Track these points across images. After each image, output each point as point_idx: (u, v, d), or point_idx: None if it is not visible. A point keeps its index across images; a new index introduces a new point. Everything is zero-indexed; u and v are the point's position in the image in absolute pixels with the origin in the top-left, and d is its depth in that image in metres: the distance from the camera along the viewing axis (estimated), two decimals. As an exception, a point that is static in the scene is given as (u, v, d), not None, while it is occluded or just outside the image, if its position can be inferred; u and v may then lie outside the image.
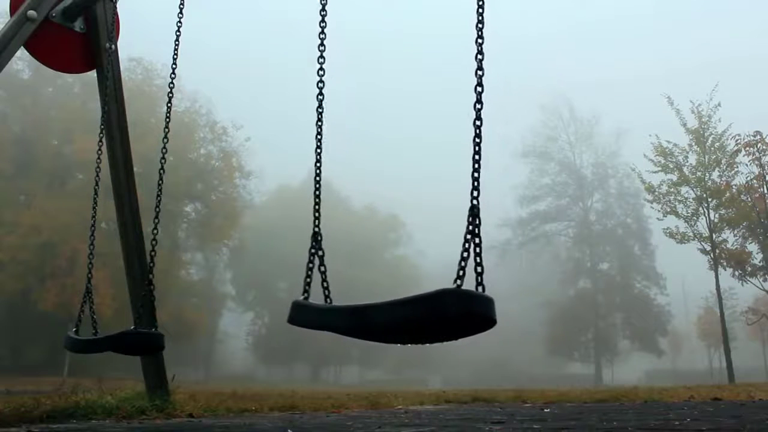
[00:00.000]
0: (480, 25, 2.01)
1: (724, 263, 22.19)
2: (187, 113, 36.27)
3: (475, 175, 1.85)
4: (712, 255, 21.94)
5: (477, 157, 1.88)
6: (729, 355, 21.71)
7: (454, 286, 1.69)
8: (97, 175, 4.06)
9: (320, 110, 2.48)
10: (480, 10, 2.03)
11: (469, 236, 1.76)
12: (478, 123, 1.92)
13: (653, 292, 47.26)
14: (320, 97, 2.47)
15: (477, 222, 1.79)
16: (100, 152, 4.09)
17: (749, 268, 22.19)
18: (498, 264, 45.07)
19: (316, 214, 2.36)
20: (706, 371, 49.09)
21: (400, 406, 5.90)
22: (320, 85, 2.47)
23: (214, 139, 38.33)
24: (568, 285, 49.36)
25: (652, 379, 42.15)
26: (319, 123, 2.48)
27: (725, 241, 22.46)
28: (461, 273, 1.72)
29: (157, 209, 3.64)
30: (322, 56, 2.48)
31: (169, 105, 3.86)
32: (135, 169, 4.58)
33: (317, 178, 2.45)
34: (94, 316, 3.70)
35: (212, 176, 37.98)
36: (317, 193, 2.44)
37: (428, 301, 1.67)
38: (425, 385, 39.21)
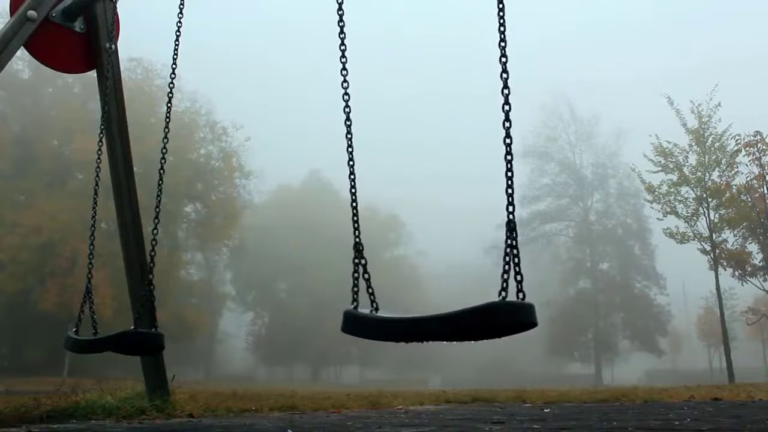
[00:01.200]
0: (502, 29, 2.03)
1: (724, 263, 22.18)
2: (187, 113, 36.30)
3: (509, 191, 1.97)
4: (712, 255, 21.93)
5: (510, 173, 1.98)
6: (729, 355, 21.70)
7: (500, 298, 1.84)
8: (97, 175, 4.05)
9: (348, 123, 2.46)
10: (501, 13, 2.05)
11: (508, 249, 1.90)
12: (508, 141, 1.99)
13: (653, 292, 47.29)
14: (347, 109, 2.45)
15: (514, 236, 1.92)
16: (100, 152, 4.08)
17: (749, 268, 22.17)
18: (498, 264, 44.95)
19: (356, 225, 2.39)
20: (706, 371, 49.06)
21: (400, 406, 5.90)
22: (345, 97, 2.45)
23: (214, 139, 38.36)
24: (568, 285, 49.35)
25: (652, 379, 42.14)
26: (349, 136, 2.46)
27: (725, 241, 22.45)
28: (505, 285, 1.86)
29: (157, 209, 3.64)
30: (344, 68, 2.47)
31: (169, 105, 3.86)
32: (135, 169, 4.58)
33: (353, 190, 2.43)
34: (94, 316, 3.70)
35: (212, 176, 38.00)
36: (354, 204, 2.43)
37: (481, 313, 1.83)
38: (425, 385, 39.21)
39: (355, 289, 2.25)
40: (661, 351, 47.77)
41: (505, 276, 1.87)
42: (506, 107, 1.98)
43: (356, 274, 2.26)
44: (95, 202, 4.03)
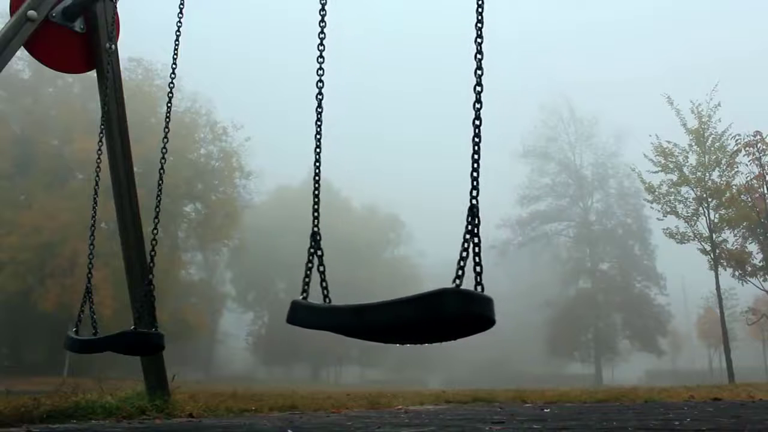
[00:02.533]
0: (479, 25, 2.01)
1: (724, 263, 22.18)
2: (187, 113, 36.30)
3: (474, 174, 1.84)
4: (712, 255, 21.93)
5: (476, 156, 1.87)
6: (729, 355, 21.69)
7: (453, 285, 1.68)
8: (97, 175, 4.05)
9: (319, 110, 2.48)
10: (479, 9, 2.03)
11: (468, 236, 1.76)
12: (477, 123, 1.91)
13: (653, 292, 47.29)
14: (319, 96, 2.47)
15: (476, 222, 1.78)
16: (100, 152, 4.09)
17: (749, 268, 22.16)
18: (498, 264, 45.07)
19: (315, 214, 2.34)
20: (706, 371, 49.07)
21: (400, 406, 5.90)
22: (319, 84, 2.48)
23: (214, 139, 38.35)
24: (568, 285, 49.36)
25: (652, 379, 42.15)
26: (319, 123, 2.48)
27: (725, 241, 22.45)
28: (460, 272, 1.71)
29: (157, 209, 3.64)
30: (321, 56, 2.49)
31: (169, 105, 3.86)
32: (135, 169, 4.58)
33: (316, 178, 2.45)
34: (94, 316, 3.70)
35: (212, 176, 37.99)
36: (316, 192, 2.43)
37: (427, 301, 1.67)
38: (425, 385, 39.20)
39: (307, 279, 2.16)
40: (661, 351, 47.77)
41: (462, 263, 1.72)
42: (477, 105, 1.94)
43: (310, 264, 2.19)
44: (95, 202, 4.03)
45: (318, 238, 2.26)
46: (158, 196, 3.64)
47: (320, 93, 2.47)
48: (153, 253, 3.55)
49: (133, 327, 3.62)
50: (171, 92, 3.89)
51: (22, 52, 4.14)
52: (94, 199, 4.03)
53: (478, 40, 1.98)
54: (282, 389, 11.92)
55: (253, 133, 39.77)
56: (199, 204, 38.30)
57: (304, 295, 2.13)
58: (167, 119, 3.78)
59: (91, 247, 3.88)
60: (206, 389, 8.10)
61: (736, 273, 22.30)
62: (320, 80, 2.47)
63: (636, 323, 46.35)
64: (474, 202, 1.81)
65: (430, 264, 57.15)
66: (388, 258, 57.96)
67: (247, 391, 7.83)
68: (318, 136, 2.48)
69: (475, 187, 1.83)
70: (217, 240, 39.69)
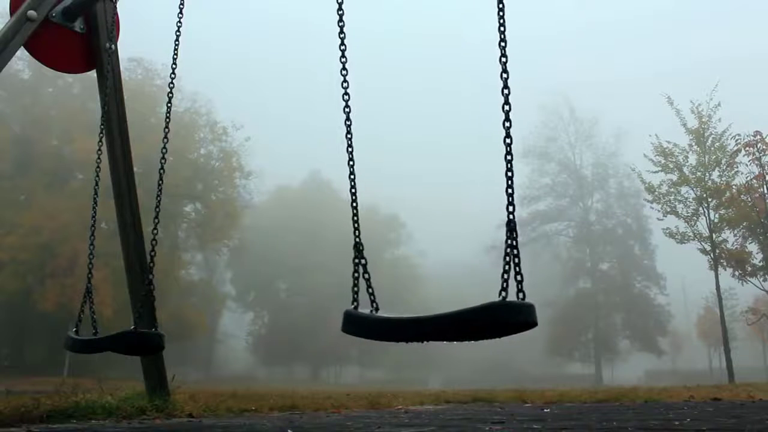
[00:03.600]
0: (502, 29, 2.04)
1: (724, 263, 22.18)
2: (187, 113, 36.31)
3: (509, 191, 1.97)
4: (712, 255, 21.93)
5: (510, 174, 1.98)
6: (729, 355, 21.69)
7: (500, 298, 1.84)
8: (97, 175, 4.05)
9: (348, 123, 2.46)
10: (501, 13, 2.05)
11: (508, 249, 1.90)
12: (508, 141, 2.00)
13: (653, 292, 47.30)
14: (347, 109, 2.45)
15: (514, 236, 1.92)
16: (100, 152, 4.09)
17: (749, 268, 22.16)
18: (498, 264, 44.96)
19: (356, 225, 2.39)
20: (706, 371, 49.06)
21: (400, 406, 5.90)
22: (345, 97, 2.45)
23: (214, 139, 38.37)
24: (568, 285, 49.35)
25: (652, 379, 42.10)
26: (349, 136, 2.47)
27: (725, 241, 22.45)
28: (505, 285, 1.86)
29: (157, 209, 3.64)
30: (344, 68, 2.47)
31: (169, 105, 3.86)
32: (135, 169, 4.58)
33: (353, 190, 2.44)
34: (94, 316, 3.70)
35: (212, 176, 38.01)
36: (354, 204, 2.44)
37: (481, 314, 1.84)
38: (425, 385, 39.18)
39: (356, 288, 2.25)
40: (661, 351, 47.76)
41: (506, 276, 1.87)
42: (506, 107, 1.98)
43: (356, 274, 2.26)
44: (95, 202, 4.03)
45: (361, 248, 2.32)
46: (158, 196, 3.64)
47: (347, 106, 2.44)
48: (153, 253, 3.55)
49: (133, 327, 3.62)
50: (171, 92, 3.89)
51: (22, 52, 4.13)
52: (94, 199, 4.03)
53: (502, 44, 2.02)
54: (282, 389, 11.92)
55: (253, 133, 39.82)
56: (199, 204, 38.31)
57: (355, 304, 2.22)
58: (167, 119, 3.77)
59: (91, 247, 3.88)
60: (206, 389, 8.10)
61: (736, 273, 22.29)
62: (346, 93, 2.45)
63: (636, 323, 46.35)
64: (511, 216, 1.93)
65: (431, 264, 57.22)
66: (389, 258, 57.95)
67: (247, 391, 7.83)
68: (349, 149, 2.45)
69: (511, 203, 1.95)
70: (217, 240, 39.69)
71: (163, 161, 3.63)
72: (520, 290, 1.87)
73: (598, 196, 50.67)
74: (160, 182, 3.66)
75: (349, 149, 2.45)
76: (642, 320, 46.10)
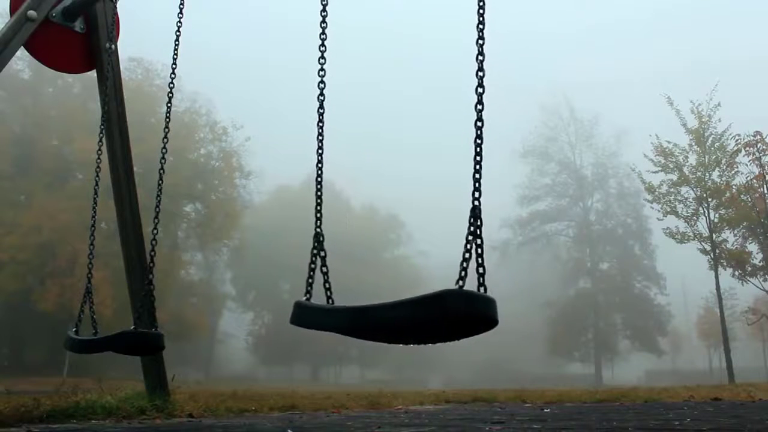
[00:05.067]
0: (480, 26, 2.01)
1: (724, 263, 22.18)
2: (187, 113, 36.29)
3: (476, 176, 1.86)
4: (712, 255, 21.93)
5: (478, 158, 1.88)
6: (729, 355, 21.69)
7: (456, 286, 1.70)
8: (97, 175, 4.05)
9: (321, 111, 2.47)
10: (480, 11, 2.03)
11: (470, 237, 1.77)
12: (479, 124, 1.91)
13: (653, 292, 47.30)
14: (321, 97, 2.46)
15: (478, 223, 1.80)
16: (100, 152, 4.08)
17: (749, 268, 22.16)
18: (498, 264, 45.07)
19: (318, 215, 2.35)
20: (706, 371, 49.07)
21: (400, 406, 5.90)
22: (321, 85, 2.47)
23: (214, 139, 38.35)
24: (568, 285, 49.35)
25: (652, 379, 42.13)
26: (320, 124, 2.48)
27: (725, 241, 22.45)
28: (463, 274, 1.73)
29: (157, 209, 3.64)
30: (323, 57, 2.48)
31: (169, 105, 3.85)
32: (135, 169, 4.58)
33: (318, 179, 2.45)
34: (94, 316, 3.70)
35: (212, 176, 37.99)
36: (319, 193, 2.43)
37: (430, 302, 1.68)
38: (425, 385, 39.17)
39: (310, 280, 2.17)
40: (661, 351, 47.76)
41: (465, 264, 1.74)
42: (479, 107, 1.93)
43: (313, 265, 2.20)
44: (95, 202, 4.02)
45: (321, 238, 2.27)
46: (158, 196, 3.64)
47: (322, 94, 2.47)
48: (153, 253, 3.55)
49: (133, 327, 3.62)
50: (171, 92, 3.89)
51: (22, 52, 4.13)
52: (94, 199, 4.03)
53: (480, 41, 1.99)
54: (282, 389, 11.92)
55: (253, 133, 39.79)
56: (199, 204, 38.30)
57: (308, 296, 2.13)
58: (167, 119, 3.77)
59: (91, 247, 3.88)
60: (206, 389, 8.10)
61: (736, 273, 22.29)
62: (322, 81, 2.46)
63: (636, 323, 46.36)
64: (476, 203, 1.82)
65: (431, 264, 57.18)
66: (389, 258, 57.97)
67: (247, 391, 7.83)
68: (320, 137, 2.47)
69: (477, 189, 1.84)
70: (217, 240, 39.68)
71: (163, 161, 3.63)
72: (481, 284, 1.74)
73: (598, 196, 50.74)
74: (160, 182, 3.66)
75: (320, 137, 2.47)
76: (642, 320, 46.11)
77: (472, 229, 1.78)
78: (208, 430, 3.20)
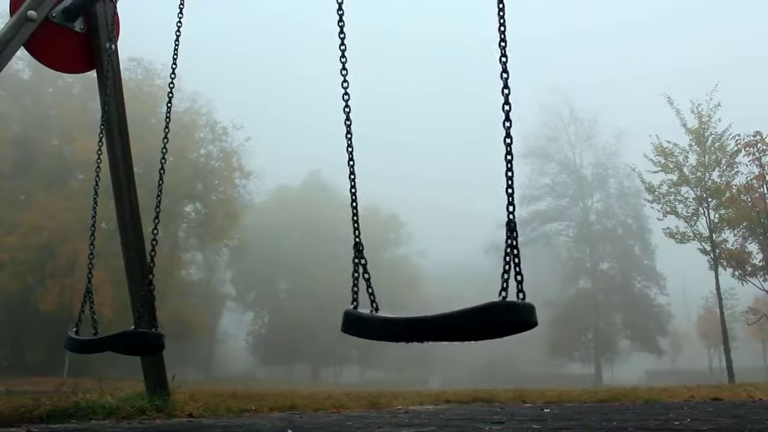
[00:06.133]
0: (502, 29, 2.03)
1: (724, 263, 22.18)
2: (187, 113, 36.27)
3: (509, 191, 1.96)
4: (712, 255, 21.93)
5: (510, 173, 1.98)
6: (729, 355, 21.69)
7: (500, 298, 1.84)
8: (97, 175, 4.05)
9: (348, 123, 2.46)
10: (501, 13, 2.05)
11: (508, 249, 1.90)
12: (508, 141, 1.99)
13: (653, 292, 47.31)
14: (347, 109, 2.45)
15: (515, 236, 1.92)
16: (100, 152, 4.08)
17: (749, 268, 22.16)
18: (498, 264, 44.96)
19: (356, 225, 2.39)
20: (706, 371, 49.04)
21: (400, 406, 5.90)
22: (345, 97, 2.45)
23: (214, 139, 38.34)
24: (568, 285, 49.35)
25: (652, 379, 42.09)
26: (349, 136, 2.46)
27: (725, 241, 22.46)
28: (505, 285, 1.86)
29: (157, 209, 3.64)
30: (344, 68, 2.47)
31: (169, 105, 3.85)
32: (135, 169, 4.58)
33: (353, 190, 2.43)
34: (94, 316, 3.70)
35: (212, 176, 37.98)
36: (354, 204, 2.43)
37: (481, 314, 1.83)
38: (425, 385, 39.17)
39: (355, 288, 2.24)
40: (661, 351, 47.76)
41: (506, 276, 1.86)
42: (506, 107, 1.98)
43: (356, 274, 2.25)
44: (95, 202, 4.02)
45: (361, 248, 2.31)
46: (158, 196, 3.63)
47: (347, 106, 2.44)
48: (153, 253, 3.55)
49: (133, 327, 3.62)
50: (171, 92, 3.88)
51: (22, 52, 4.13)
52: (94, 199, 4.03)
53: (502, 44, 2.02)
54: (282, 389, 11.93)
55: (253, 133, 39.76)
56: (199, 204, 38.29)
57: (355, 304, 2.21)
58: (167, 119, 3.77)
59: (91, 247, 3.87)
60: (206, 389, 8.10)
61: (736, 273, 22.30)
62: (346, 93, 2.44)
63: (636, 323, 46.35)
64: (511, 216, 1.93)
65: (431, 264, 57.22)
66: (389, 258, 57.94)
67: (247, 391, 7.84)
68: (349, 149, 2.45)
69: (511, 203, 1.94)
70: (217, 240, 39.67)
71: (163, 161, 3.63)
72: (520, 290, 1.86)
73: (598, 196, 50.72)
74: (160, 182, 3.66)
75: (350, 149, 2.44)
76: (642, 320, 46.11)
77: (509, 241, 1.91)
78: (208, 430, 3.20)
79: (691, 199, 22.56)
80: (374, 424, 3.47)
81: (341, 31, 2.51)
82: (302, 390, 11.97)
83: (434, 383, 42.13)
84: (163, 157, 3.63)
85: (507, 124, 1.97)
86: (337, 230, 41.00)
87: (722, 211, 22.34)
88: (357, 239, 2.33)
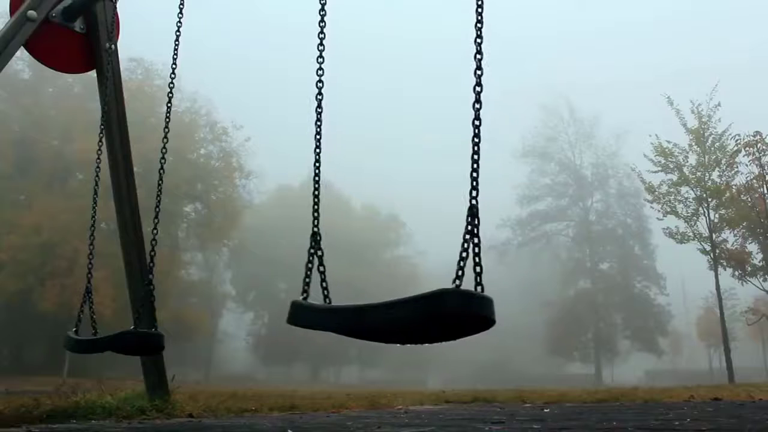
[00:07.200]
0: (479, 25, 2.00)
1: (724, 263, 22.19)
2: (187, 113, 36.28)
3: (474, 175, 1.84)
4: (712, 255, 21.93)
5: (476, 157, 1.87)
6: (729, 355, 21.69)
7: (453, 286, 1.68)
8: (97, 175, 4.05)
9: (319, 110, 2.47)
10: (479, 9, 2.03)
11: (467, 236, 1.76)
12: (477, 123, 1.90)
13: (653, 292, 47.30)
14: (319, 96, 2.47)
15: (476, 222, 1.78)
16: (100, 152, 4.08)
17: (749, 268, 22.18)
18: (498, 264, 45.07)
19: (315, 214, 2.34)
20: (706, 371, 49.04)
21: (400, 406, 5.90)
22: (319, 84, 2.47)
23: (214, 140, 38.34)
24: (568, 285, 49.35)
25: (652, 379, 42.09)
26: (318, 123, 2.48)
27: (725, 241, 22.47)
28: (460, 273, 1.71)
29: (157, 209, 3.64)
30: (321, 56, 2.49)
31: (169, 105, 3.85)
32: (135, 169, 4.58)
33: (316, 178, 2.45)
34: (94, 316, 3.70)
35: (212, 176, 37.97)
36: (316, 192, 2.43)
37: (427, 301, 1.67)
38: (425, 385, 39.19)
39: (307, 279, 2.15)
40: (661, 351, 47.76)
41: (462, 264, 1.72)
42: (477, 105, 1.92)
43: (310, 264, 2.18)
44: (95, 202, 4.02)
45: (318, 238, 2.25)
46: (158, 196, 3.63)
47: (320, 93, 2.47)
48: (153, 253, 3.55)
49: (133, 327, 3.62)
50: (171, 92, 3.88)
51: (22, 52, 4.13)
52: (94, 199, 4.03)
53: (478, 40, 1.98)
54: (282, 389, 11.94)
55: (253, 133, 39.77)
56: (199, 204, 38.29)
57: (305, 295, 2.12)
58: (167, 119, 3.77)
59: (91, 247, 3.87)
60: (206, 389, 8.10)
61: (736, 273, 22.31)
62: (320, 80, 2.47)
63: (636, 323, 46.35)
64: (474, 202, 1.81)
65: (431, 264, 57.17)
66: (389, 258, 57.93)
67: (247, 392, 7.84)
68: (318, 137, 2.48)
69: (474, 188, 1.82)
70: (217, 240, 39.69)
71: (163, 161, 3.63)
72: (478, 283, 1.72)
73: (598, 196, 50.75)
74: (160, 182, 3.66)
75: (318, 137, 2.47)
76: (642, 320, 46.11)
77: (469, 228, 1.76)
78: (208, 430, 3.20)
79: (691, 199, 22.57)
80: (374, 424, 3.47)
81: (321, 31, 2.52)
82: (302, 390, 11.98)
83: (434, 383, 42.13)
84: (163, 157, 3.63)
85: (477, 122, 1.92)
86: (337, 230, 40.98)
87: (722, 211, 22.35)
88: (315, 229, 2.27)
